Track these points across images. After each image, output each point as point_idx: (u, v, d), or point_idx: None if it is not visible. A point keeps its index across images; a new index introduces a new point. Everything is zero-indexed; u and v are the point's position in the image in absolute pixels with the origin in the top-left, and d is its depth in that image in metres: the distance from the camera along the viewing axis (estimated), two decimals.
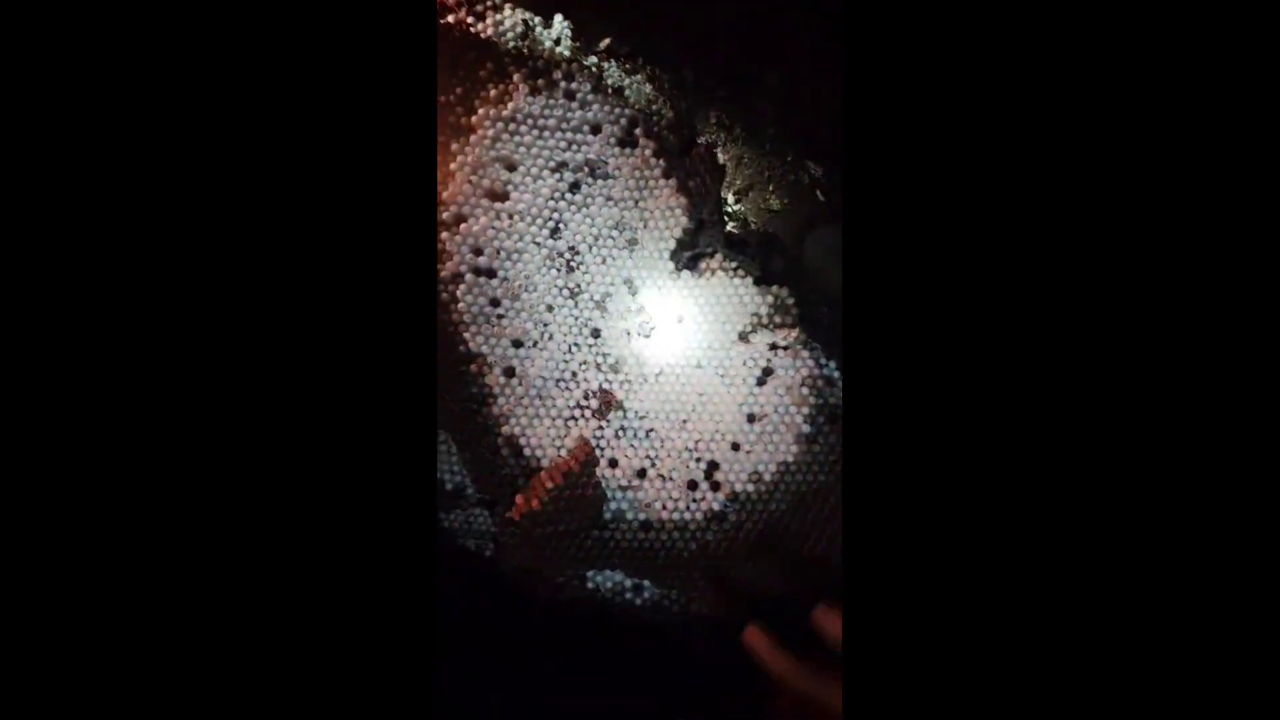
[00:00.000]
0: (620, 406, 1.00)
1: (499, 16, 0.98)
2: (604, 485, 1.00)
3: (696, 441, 1.02)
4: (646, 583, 1.02)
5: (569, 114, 0.99)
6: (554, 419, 1.00)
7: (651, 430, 1.01)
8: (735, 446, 1.02)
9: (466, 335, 0.99)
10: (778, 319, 1.02)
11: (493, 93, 0.98)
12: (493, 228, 0.99)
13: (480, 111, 0.98)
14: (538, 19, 0.98)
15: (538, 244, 1.00)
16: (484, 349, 0.99)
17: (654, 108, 0.99)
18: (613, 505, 1.01)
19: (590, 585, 1.02)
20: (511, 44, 0.98)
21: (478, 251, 0.99)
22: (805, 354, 1.02)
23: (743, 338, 1.02)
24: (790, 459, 1.02)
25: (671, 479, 1.01)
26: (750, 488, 1.02)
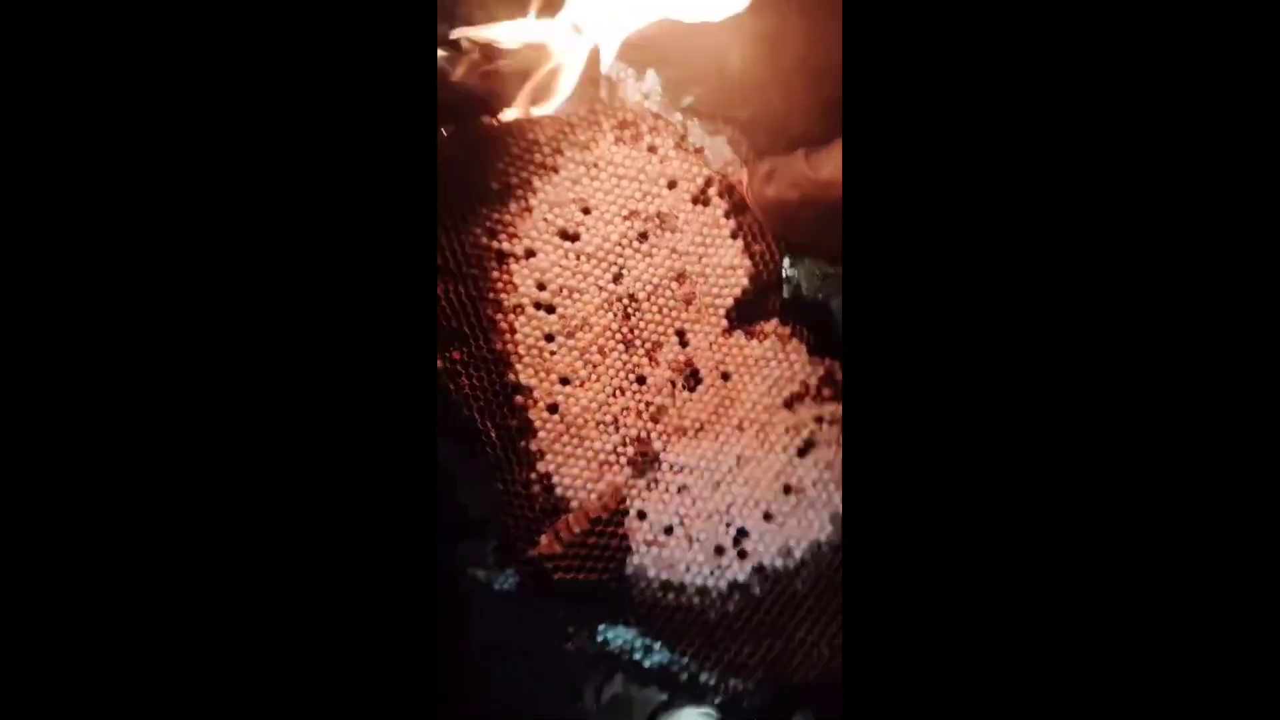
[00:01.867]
0: (656, 458, 1.00)
1: None
2: (630, 537, 0.99)
3: (729, 505, 1.00)
4: (659, 644, 0.99)
5: (648, 166, 1.03)
6: (589, 460, 1.00)
7: (684, 487, 1.00)
8: (768, 516, 1.00)
9: (519, 366, 1.01)
10: (826, 391, 1.01)
11: (581, 137, 1.03)
12: (559, 265, 1.02)
13: (566, 154, 1.02)
14: (630, 70, 1.02)
15: (599, 286, 1.02)
16: (531, 382, 1.00)
17: (730, 170, 1.02)
18: (635, 559, 0.99)
19: (600, 639, 0.99)
20: (602, 92, 1.03)
21: (541, 286, 1.01)
22: None
23: (788, 405, 1.01)
24: (823, 539, 0.99)
25: (699, 541, 0.99)
26: (779, 562, 0.99)
